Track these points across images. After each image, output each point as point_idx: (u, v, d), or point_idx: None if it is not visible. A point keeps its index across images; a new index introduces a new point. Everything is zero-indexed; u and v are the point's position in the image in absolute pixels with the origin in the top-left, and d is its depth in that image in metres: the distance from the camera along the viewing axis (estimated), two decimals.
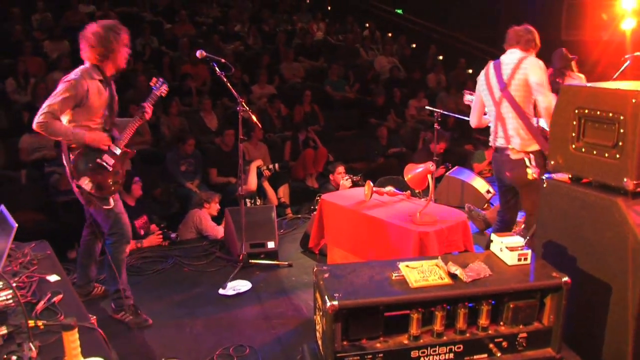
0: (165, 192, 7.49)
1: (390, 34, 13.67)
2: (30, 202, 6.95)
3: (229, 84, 5.22)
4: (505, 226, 4.78)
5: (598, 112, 2.51)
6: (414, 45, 13.52)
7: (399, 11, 14.91)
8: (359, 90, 10.96)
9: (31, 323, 2.67)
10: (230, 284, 5.12)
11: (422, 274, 2.28)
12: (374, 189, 4.92)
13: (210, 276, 5.47)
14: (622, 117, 2.41)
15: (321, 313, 2.17)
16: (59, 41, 10.04)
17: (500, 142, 4.51)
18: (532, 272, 2.34)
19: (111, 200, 4.17)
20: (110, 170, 4.14)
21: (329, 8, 15.31)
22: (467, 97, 5.24)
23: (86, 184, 4.02)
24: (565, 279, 2.26)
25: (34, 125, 3.86)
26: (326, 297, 2.15)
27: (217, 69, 5.11)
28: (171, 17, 12.35)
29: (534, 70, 4.28)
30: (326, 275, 2.32)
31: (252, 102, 9.61)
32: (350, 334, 2.21)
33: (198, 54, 5.03)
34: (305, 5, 14.47)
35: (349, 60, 11.95)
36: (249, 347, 4.08)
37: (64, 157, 4.08)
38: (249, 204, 7.07)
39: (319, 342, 2.27)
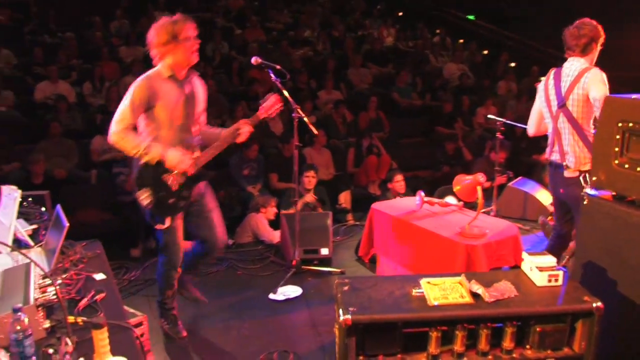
0: (228, 196, 7.60)
1: (461, 40, 13.40)
2: (98, 201, 7.22)
3: (284, 91, 5.23)
4: (561, 241, 4.53)
5: None
6: (485, 52, 13.21)
7: (471, 17, 14.60)
8: (426, 97, 10.79)
9: (71, 319, 2.75)
10: (281, 289, 5.13)
11: (443, 291, 2.19)
12: (425, 199, 4.82)
13: (262, 280, 5.50)
14: None
15: (337, 326, 2.13)
16: (133, 47, 10.45)
17: (555, 157, 4.24)
18: (562, 295, 2.21)
19: (167, 221, 3.85)
20: (175, 190, 3.80)
21: (400, 14, 15.18)
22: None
23: (144, 198, 3.73)
24: (598, 304, 2.12)
25: (109, 138, 3.79)
26: (341, 310, 2.11)
27: (272, 75, 5.13)
28: (243, 22, 12.57)
29: (595, 85, 3.92)
30: (346, 288, 2.28)
31: (318, 108, 9.63)
32: (367, 349, 2.15)
33: (253, 60, 5.05)
34: (376, 11, 14.41)
35: (418, 67, 11.80)
36: (292, 353, 4.07)
37: (134, 161, 3.89)
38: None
39: (337, 355, 2.23)
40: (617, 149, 2.46)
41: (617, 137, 2.45)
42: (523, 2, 12.53)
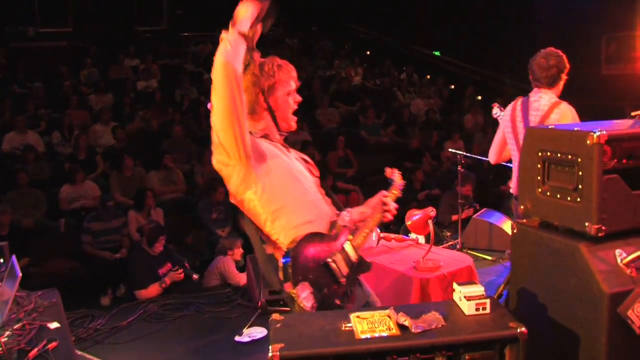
0: (197, 240, 7.63)
1: (428, 77, 13.70)
2: (66, 249, 7.21)
3: None
4: None
5: (559, 154, 2.44)
6: (452, 87, 13.51)
7: (437, 53, 14.95)
8: (394, 134, 10.95)
9: None
10: (246, 331, 5.14)
11: (371, 324, 2.24)
12: (382, 234, 4.89)
13: (230, 323, 5.51)
14: (579, 160, 2.34)
15: None
16: (103, 94, 10.58)
17: None
18: (488, 322, 2.27)
19: None
20: (343, 283, 2.66)
21: (368, 53, 15.52)
22: (495, 111, 4.94)
23: (305, 297, 2.54)
24: (522, 329, 2.17)
25: None
26: (270, 347, 2.14)
27: None
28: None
29: (565, 120, 3.91)
30: (278, 325, 2.31)
31: None
32: None
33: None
34: (344, 51, 14.70)
35: (385, 104, 12.02)
36: None
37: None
38: None
39: None
40: (539, 178, 2.55)
41: (538, 166, 2.54)
42: (486, 35, 12.88)
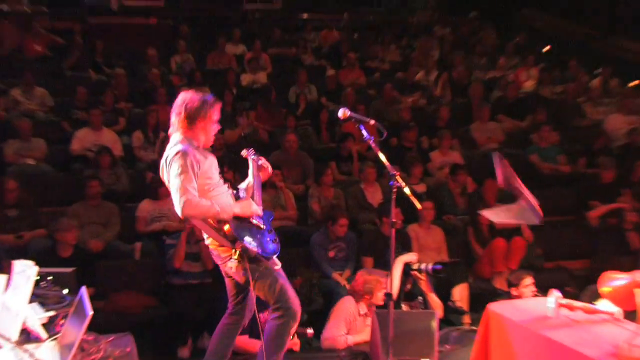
0: (307, 283, 7.60)
1: (634, 83, 12.92)
2: (142, 282, 7.41)
3: (379, 152, 5.26)
4: None
5: None
6: None
7: None
8: (578, 161, 10.53)
9: None
10: None
11: None
12: (563, 301, 4.68)
13: None
14: None
15: None
16: (198, 88, 10.86)
17: None
18: None
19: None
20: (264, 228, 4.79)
21: (546, 49, 14.95)
22: None
23: (251, 242, 4.50)
24: None
25: (182, 214, 4.43)
26: None
27: (365, 132, 5.18)
28: (337, 61, 12.93)
29: None
30: None
31: (430, 174, 9.60)
32: None
33: (340, 113, 5.14)
34: (513, 45, 14.28)
35: (568, 120, 11.63)
36: None
37: (208, 232, 4.62)
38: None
39: None
40: None
41: None
42: None
